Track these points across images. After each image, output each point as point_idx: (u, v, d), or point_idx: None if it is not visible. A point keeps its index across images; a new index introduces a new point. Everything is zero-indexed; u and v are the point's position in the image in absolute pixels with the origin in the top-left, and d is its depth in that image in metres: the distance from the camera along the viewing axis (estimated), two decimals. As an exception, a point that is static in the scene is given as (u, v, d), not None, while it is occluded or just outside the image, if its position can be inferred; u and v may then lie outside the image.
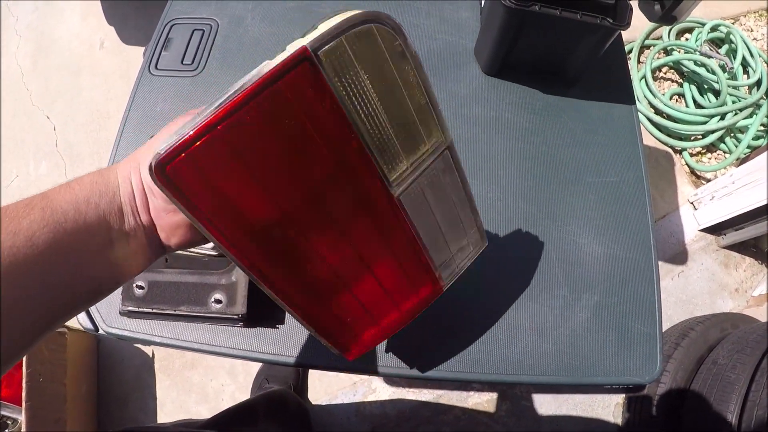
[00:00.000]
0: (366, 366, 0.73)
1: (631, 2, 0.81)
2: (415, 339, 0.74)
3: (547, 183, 0.85)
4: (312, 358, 0.73)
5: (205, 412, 1.72)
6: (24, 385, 1.44)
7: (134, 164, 0.45)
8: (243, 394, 1.72)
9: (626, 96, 0.95)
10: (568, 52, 0.88)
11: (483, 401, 1.74)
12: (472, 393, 1.75)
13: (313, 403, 1.71)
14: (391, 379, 1.74)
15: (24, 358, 1.44)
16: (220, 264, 0.72)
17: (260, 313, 0.74)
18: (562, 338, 0.76)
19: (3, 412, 1.55)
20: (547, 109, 0.91)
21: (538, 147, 0.88)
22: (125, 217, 0.44)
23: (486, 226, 0.79)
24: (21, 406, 1.46)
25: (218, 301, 0.71)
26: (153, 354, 1.78)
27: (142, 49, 2.20)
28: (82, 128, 2.11)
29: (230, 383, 1.74)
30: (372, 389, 1.73)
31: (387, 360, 0.73)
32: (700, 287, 1.93)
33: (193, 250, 0.70)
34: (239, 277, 0.72)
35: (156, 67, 0.93)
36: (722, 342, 1.58)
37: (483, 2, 0.95)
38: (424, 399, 1.73)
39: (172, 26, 0.97)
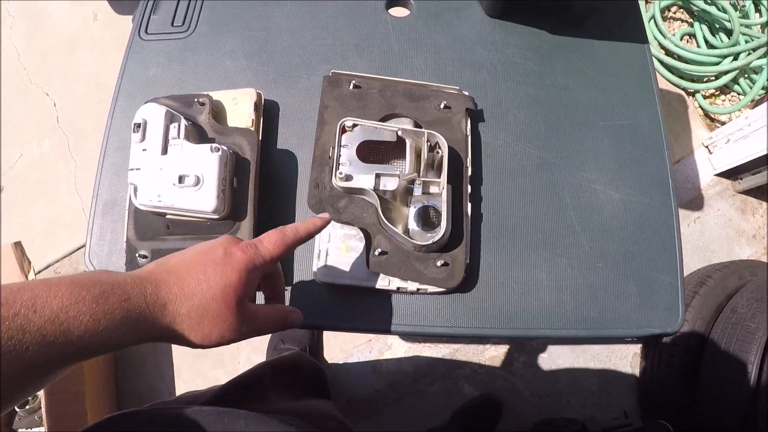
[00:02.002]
0: (379, 325, 0.71)
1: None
2: (429, 296, 0.71)
3: (558, 127, 0.81)
4: (318, 319, 0.71)
5: (222, 376, 1.72)
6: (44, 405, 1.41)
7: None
8: (258, 356, 1.73)
9: (638, 34, 0.90)
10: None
11: (500, 354, 1.74)
12: (488, 346, 1.75)
13: (330, 362, 1.71)
14: (407, 336, 1.74)
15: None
16: (222, 227, 0.69)
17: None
18: (581, 290, 0.73)
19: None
20: (555, 50, 0.87)
21: (548, 90, 0.83)
22: None
23: (496, 174, 0.77)
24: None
25: (223, 265, 0.68)
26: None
27: (135, 17, 2.16)
28: (83, 102, 2.09)
29: (245, 346, 1.75)
30: (388, 345, 1.73)
31: (401, 318, 0.70)
32: (717, 233, 1.89)
33: (194, 215, 0.67)
34: (244, 239, 0.68)
35: (146, 32, 0.90)
36: (741, 290, 1.55)
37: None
38: (440, 354, 1.73)
39: (160, -12, 0.93)
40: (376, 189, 0.66)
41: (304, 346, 1.58)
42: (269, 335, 1.69)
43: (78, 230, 1.94)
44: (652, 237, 0.77)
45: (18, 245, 1.51)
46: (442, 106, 0.76)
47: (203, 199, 0.65)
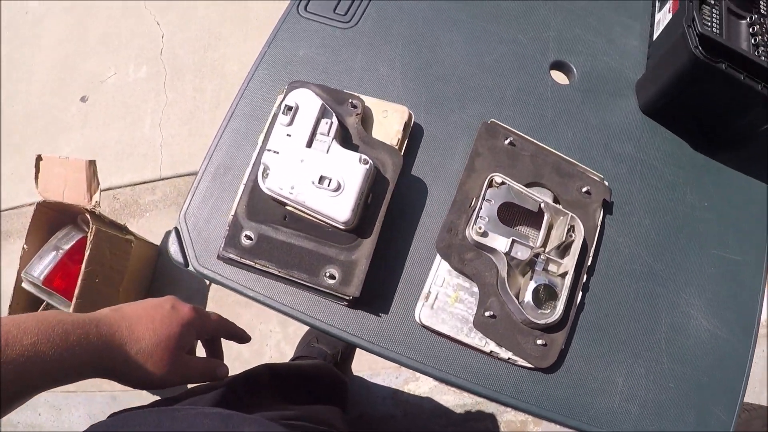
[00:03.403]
0: (458, 379, 0.71)
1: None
2: (513, 366, 0.72)
3: (675, 243, 0.82)
4: (406, 356, 0.71)
5: (246, 353, 1.72)
6: (79, 281, 1.45)
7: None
8: (289, 346, 1.72)
9: (765, 173, 0.90)
10: (733, 117, 0.83)
11: (517, 420, 1.73)
12: (509, 409, 1.73)
13: (355, 373, 1.70)
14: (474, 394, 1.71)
15: (86, 255, 1.45)
16: (343, 238, 0.68)
17: (369, 297, 0.70)
18: (649, 404, 0.73)
19: (52, 302, 1.57)
20: (692, 165, 0.87)
21: (675, 204, 0.84)
22: None
23: (607, 270, 0.78)
24: (71, 300, 1.47)
25: (332, 277, 0.67)
26: (209, 283, 1.76)
27: (266, -23, 2.16)
28: (190, 43, 2.09)
29: (279, 331, 1.73)
30: (415, 376, 1.72)
31: (478, 377, 0.71)
32: (754, 372, 1.86)
33: (318, 216, 0.67)
34: (360, 258, 0.67)
35: (306, 9, 0.88)
36: (762, 438, 1.54)
37: (655, 35, 0.90)
38: (461, 402, 1.71)
39: (330, -32, 0.91)
40: (507, 254, 0.67)
41: (336, 351, 1.58)
42: (307, 327, 1.67)
43: (149, 164, 1.93)
44: (723, 374, 0.78)
45: (92, 163, 1.52)
46: (584, 190, 0.76)
47: (339, 208, 0.65)
